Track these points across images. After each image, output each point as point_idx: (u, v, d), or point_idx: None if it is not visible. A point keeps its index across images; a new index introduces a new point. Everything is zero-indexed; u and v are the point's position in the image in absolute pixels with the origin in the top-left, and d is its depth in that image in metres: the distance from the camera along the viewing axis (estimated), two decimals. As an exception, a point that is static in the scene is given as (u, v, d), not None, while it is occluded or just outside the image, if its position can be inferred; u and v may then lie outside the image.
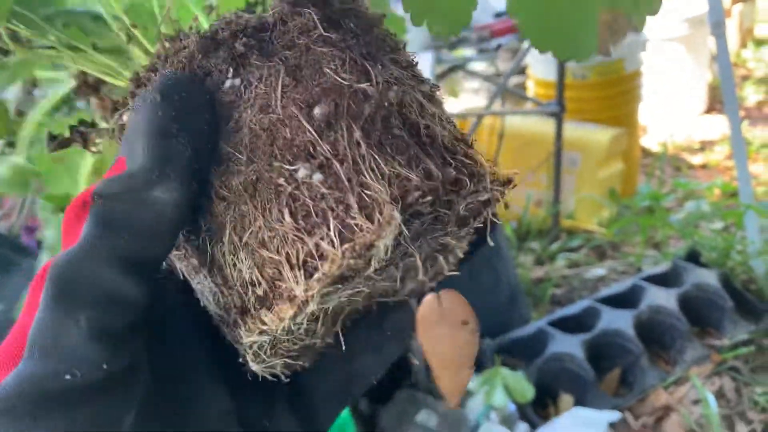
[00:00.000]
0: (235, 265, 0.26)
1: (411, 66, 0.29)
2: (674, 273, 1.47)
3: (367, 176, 0.25)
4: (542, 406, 1.27)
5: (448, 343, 0.31)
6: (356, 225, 0.24)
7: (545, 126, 1.79)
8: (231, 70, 0.27)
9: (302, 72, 0.27)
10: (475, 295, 1.33)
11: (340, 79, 0.26)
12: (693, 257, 1.53)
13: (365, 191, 0.25)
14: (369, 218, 0.24)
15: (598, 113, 1.94)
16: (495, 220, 0.30)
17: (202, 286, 0.28)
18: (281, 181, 0.25)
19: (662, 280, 1.45)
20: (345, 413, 1.12)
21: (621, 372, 1.30)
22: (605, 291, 1.46)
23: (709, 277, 1.41)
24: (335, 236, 0.24)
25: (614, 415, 1.18)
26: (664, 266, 1.50)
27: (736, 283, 1.44)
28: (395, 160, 0.25)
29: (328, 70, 0.26)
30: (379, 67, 0.27)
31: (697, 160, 2.43)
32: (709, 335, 1.40)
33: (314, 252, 0.24)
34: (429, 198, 0.25)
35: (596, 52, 0.35)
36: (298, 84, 0.26)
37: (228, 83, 0.27)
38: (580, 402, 1.22)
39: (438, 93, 0.29)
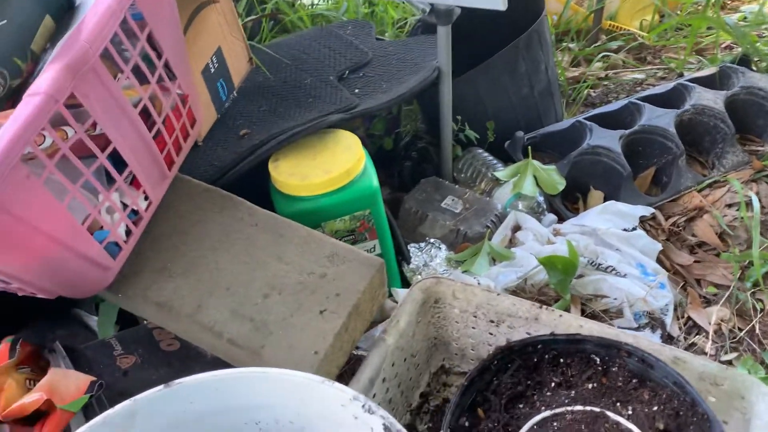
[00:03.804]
0: None
1: None
2: (722, 76, 1.37)
3: None
4: (572, 200, 1.24)
5: None
6: None
7: None
8: None
9: None
10: (512, 82, 1.24)
11: None
12: (743, 64, 1.42)
13: None
14: None
15: None
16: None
17: None
18: None
19: (708, 83, 1.35)
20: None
21: (656, 171, 1.25)
22: (647, 91, 1.37)
23: (761, 81, 1.31)
24: None
25: (647, 210, 1.15)
26: (711, 69, 1.40)
27: (787, 91, 1.35)
28: None
29: None
30: None
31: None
32: (751, 142, 1.33)
33: None
34: None
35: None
36: None
37: None
38: (611, 198, 1.18)
39: None
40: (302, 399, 0.56)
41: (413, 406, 0.92)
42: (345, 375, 0.94)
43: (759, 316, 1.05)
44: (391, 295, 1.05)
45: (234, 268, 0.82)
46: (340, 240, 0.99)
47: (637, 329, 1.03)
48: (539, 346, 0.75)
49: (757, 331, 1.04)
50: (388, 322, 0.86)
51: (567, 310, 1.03)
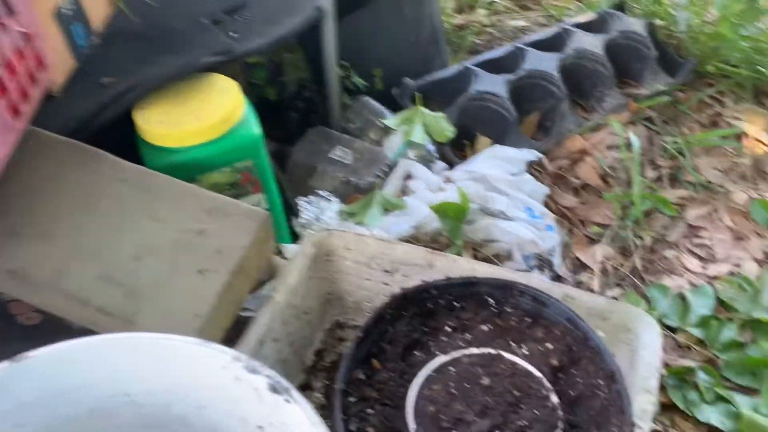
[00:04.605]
0: None
1: None
2: (600, 22, 1.40)
3: None
4: (460, 147, 1.23)
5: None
6: None
7: None
8: None
9: None
10: (398, 27, 1.20)
11: None
12: (620, 9, 1.45)
13: None
14: None
15: None
16: None
17: None
18: None
19: (588, 28, 1.37)
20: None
21: (540, 116, 1.26)
22: (530, 37, 1.37)
23: (636, 26, 1.34)
24: None
25: (533, 154, 1.15)
26: (590, 15, 1.42)
27: (660, 36, 1.40)
28: None
29: None
30: None
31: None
32: (628, 85, 1.37)
33: None
34: None
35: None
36: None
37: None
38: (498, 143, 1.18)
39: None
40: (178, 364, 0.50)
41: (308, 365, 0.89)
42: (233, 338, 0.88)
43: (640, 252, 1.09)
44: (281, 252, 1.00)
45: (99, 230, 0.74)
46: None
47: (527, 271, 1.04)
48: (434, 292, 0.73)
49: (639, 266, 1.08)
50: (277, 279, 0.82)
51: (459, 255, 1.02)
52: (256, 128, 0.89)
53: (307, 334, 0.88)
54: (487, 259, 1.04)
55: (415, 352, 0.71)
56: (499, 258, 1.05)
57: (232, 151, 0.88)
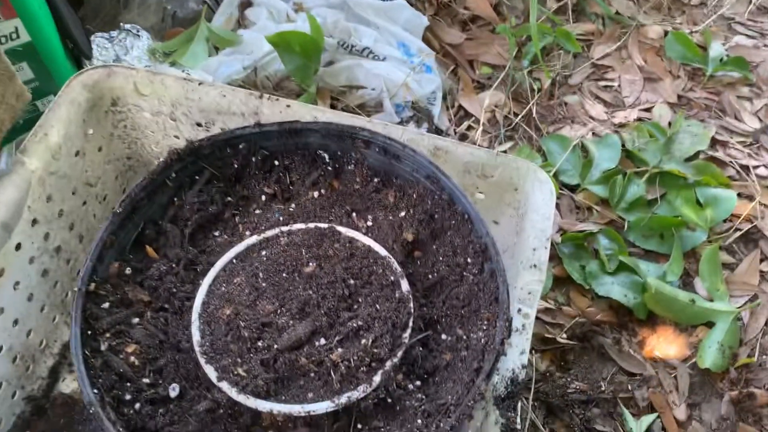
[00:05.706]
0: None
1: None
2: None
3: None
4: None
5: None
6: None
7: None
8: None
9: None
10: None
11: None
12: None
13: None
14: None
15: None
16: None
17: None
18: None
19: None
20: None
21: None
22: None
23: None
24: None
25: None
26: None
27: None
28: None
29: None
30: None
31: None
32: None
33: None
34: None
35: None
36: None
37: None
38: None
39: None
40: None
41: (106, 252, 0.66)
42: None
43: (536, 97, 0.90)
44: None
45: None
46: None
47: (401, 124, 0.83)
48: (241, 146, 0.51)
49: (534, 114, 0.89)
50: (29, 138, 0.57)
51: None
52: None
53: (100, 214, 0.65)
54: (347, 110, 0.82)
55: (214, 233, 0.49)
56: (364, 108, 0.84)
57: (-51, -50, 0.59)
